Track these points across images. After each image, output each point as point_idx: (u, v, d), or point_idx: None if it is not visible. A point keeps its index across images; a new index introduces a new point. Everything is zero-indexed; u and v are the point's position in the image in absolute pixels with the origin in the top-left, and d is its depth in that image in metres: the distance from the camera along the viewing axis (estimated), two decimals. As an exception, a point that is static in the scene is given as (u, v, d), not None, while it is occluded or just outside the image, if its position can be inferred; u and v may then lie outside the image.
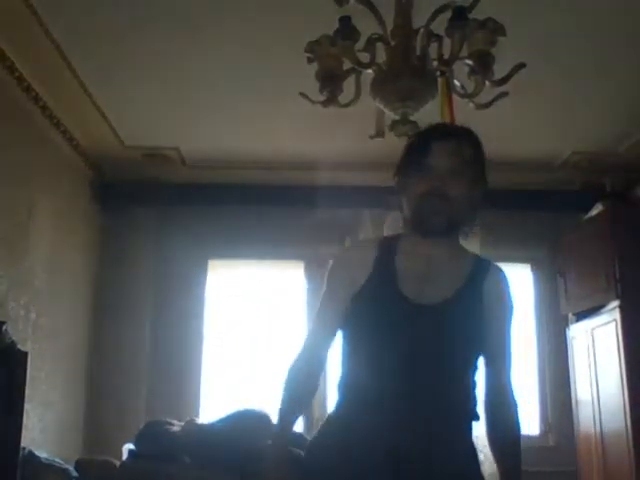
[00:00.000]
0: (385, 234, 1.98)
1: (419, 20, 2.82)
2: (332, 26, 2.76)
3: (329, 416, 1.89)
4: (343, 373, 1.88)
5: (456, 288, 1.84)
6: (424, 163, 1.84)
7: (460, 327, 1.81)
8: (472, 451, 1.84)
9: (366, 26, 2.77)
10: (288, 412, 1.88)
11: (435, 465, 1.72)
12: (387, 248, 1.91)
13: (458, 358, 1.82)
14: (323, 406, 5.21)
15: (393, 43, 2.79)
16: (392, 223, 5.78)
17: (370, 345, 1.81)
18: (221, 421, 4.06)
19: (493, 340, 1.89)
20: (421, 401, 1.74)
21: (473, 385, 1.88)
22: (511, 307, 1.95)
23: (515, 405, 1.91)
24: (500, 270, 1.96)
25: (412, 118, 2.79)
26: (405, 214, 1.91)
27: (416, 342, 1.76)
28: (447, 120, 2.82)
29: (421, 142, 1.89)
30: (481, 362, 1.91)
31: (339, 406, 1.86)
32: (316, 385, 1.92)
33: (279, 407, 1.88)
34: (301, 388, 1.90)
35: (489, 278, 1.90)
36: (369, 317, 1.82)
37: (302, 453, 1.95)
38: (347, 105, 2.90)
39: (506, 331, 1.94)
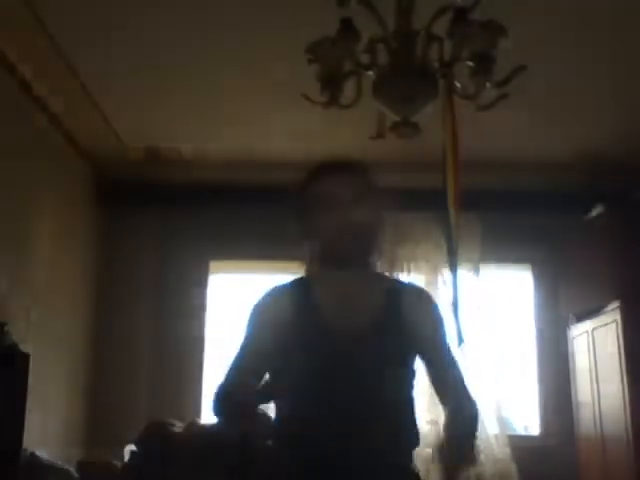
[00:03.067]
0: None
1: (420, 21, 2.83)
2: (333, 27, 2.77)
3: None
4: (275, 418, 1.86)
5: (376, 315, 1.84)
6: (323, 202, 1.89)
7: (388, 350, 1.80)
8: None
9: (367, 27, 2.77)
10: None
11: None
12: (302, 286, 1.94)
13: (389, 389, 1.78)
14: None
15: (394, 44, 2.80)
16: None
17: (300, 386, 1.74)
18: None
19: (431, 357, 1.89)
20: (358, 438, 1.71)
21: (410, 411, 1.85)
22: (438, 320, 1.94)
23: (471, 427, 1.88)
24: (417, 289, 2.06)
25: (413, 119, 2.80)
26: (314, 253, 1.97)
27: (347, 375, 1.74)
28: (448, 123, 2.81)
29: (313, 184, 1.96)
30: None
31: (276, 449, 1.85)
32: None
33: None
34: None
35: (406, 299, 1.90)
36: (297, 359, 1.77)
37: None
38: (348, 106, 2.91)
39: (441, 346, 1.92)
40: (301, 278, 2.00)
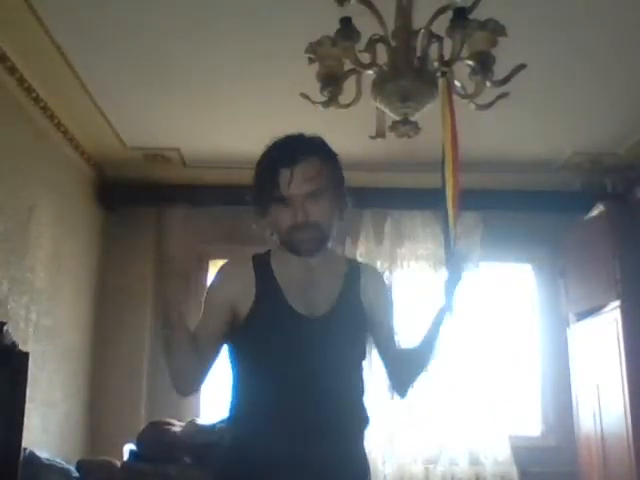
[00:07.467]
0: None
1: (420, 21, 2.83)
2: (333, 26, 2.77)
3: (227, 445, 1.91)
4: (236, 393, 1.90)
5: (337, 294, 1.89)
6: (278, 195, 1.85)
7: (347, 332, 1.86)
8: (364, 459, 1.88)
9: (367, 27, 2.77)
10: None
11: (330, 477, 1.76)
12: (263, 264, 1.93)
13: (348, 365, 1.86)
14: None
15: (394, 44, 2.80)
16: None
17: (266, 363, 1.82)
18: (221, 422, 4.07)
19: (382, 331, 2.00)
20: (318, 414, 1.75)
21: (362, 390, 1.92)
22: (389, 297, 2.08)
23: None
24: (372, 268, 2.14)
25: (413, 119, 2.80)
26: (274, 235, 1.94)
27: (311, 356, 1.78)
28: (447, 122, 2.80)
29: (269, 169, 1.91)
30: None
31: (236, 434, 1.88)
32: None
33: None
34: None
35: (363, 277, 1.97)
36: (264, 336, 1.82)
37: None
38: (348, 106, 2.91)
39: (390, 319, 2.03)
40: (259, 255, 1.98)
